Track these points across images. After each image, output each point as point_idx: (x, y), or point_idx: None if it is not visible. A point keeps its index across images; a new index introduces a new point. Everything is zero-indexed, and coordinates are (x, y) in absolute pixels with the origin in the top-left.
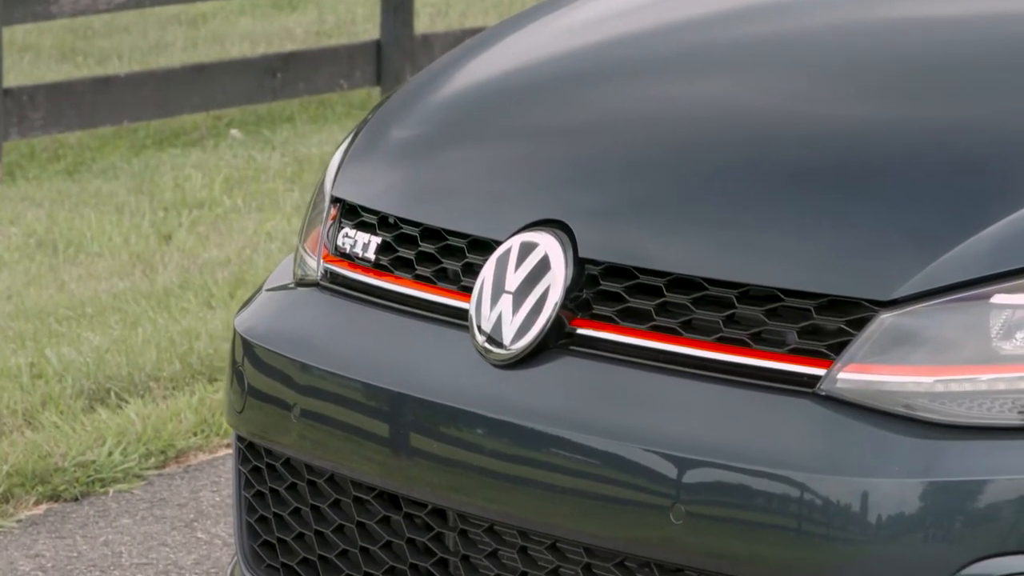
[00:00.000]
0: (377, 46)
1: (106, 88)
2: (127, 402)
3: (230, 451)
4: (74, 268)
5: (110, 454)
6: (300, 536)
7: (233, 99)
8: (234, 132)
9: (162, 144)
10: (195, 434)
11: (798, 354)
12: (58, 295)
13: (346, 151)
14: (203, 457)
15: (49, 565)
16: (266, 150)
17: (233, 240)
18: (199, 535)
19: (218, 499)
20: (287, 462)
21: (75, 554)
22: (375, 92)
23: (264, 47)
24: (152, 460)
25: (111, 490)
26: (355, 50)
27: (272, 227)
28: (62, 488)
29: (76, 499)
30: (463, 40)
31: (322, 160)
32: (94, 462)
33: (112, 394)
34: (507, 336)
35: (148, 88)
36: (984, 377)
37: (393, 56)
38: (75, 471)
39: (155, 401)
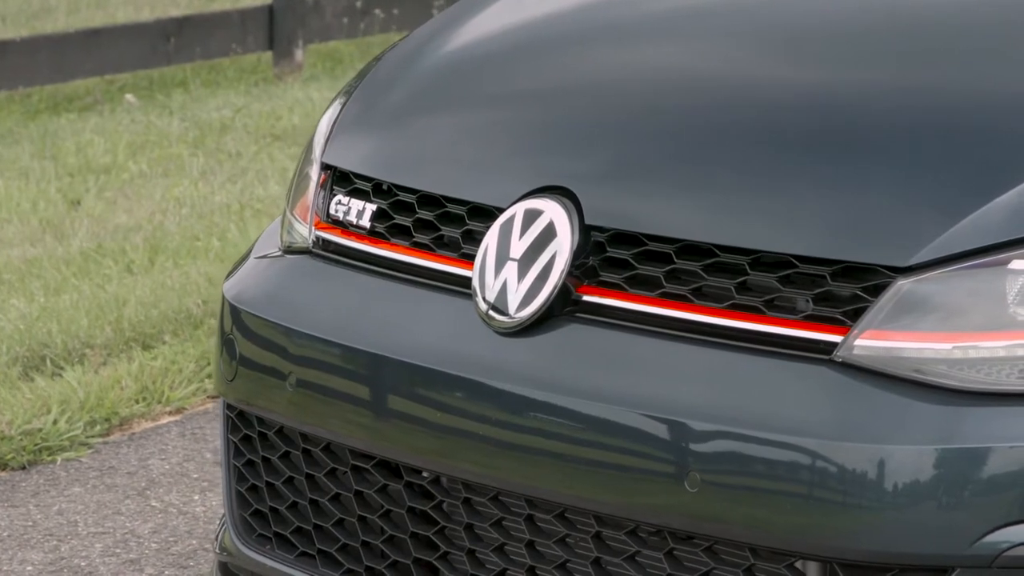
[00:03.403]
0: (269, 11)
1: (2, 53)
2: (63, 369)
3: (174, 419)
4: None
5: (55, 422)
6: (293, 505)
7: (128, 64)
8: (129, 97)
9: (57, 109)
10: (137, 401)
11: (813, 321)
12: None
13: (335, 117)
14: (147, 425)
15: (5, 534)
16: (164, 115)
17: (142, 205)
18: (153, 503)
19: (167, 467)
20: (280, 431)
21: (30, 523)
22: (266, 57)
23: (148, 12)
24: (97, 428)
25: (59, 458)
26: (247, 14)
27: (180, 192)
28: (9, 457)
29: (24, 468)
30: (355, 5)
31: (223, 124)
32: (40, 430)
33: (48, 361)
34: (512, 304)
35: (43, 53)
36: (1003, 343)
37: (285, 20)
38: (21, 439)
39: (93, 369)
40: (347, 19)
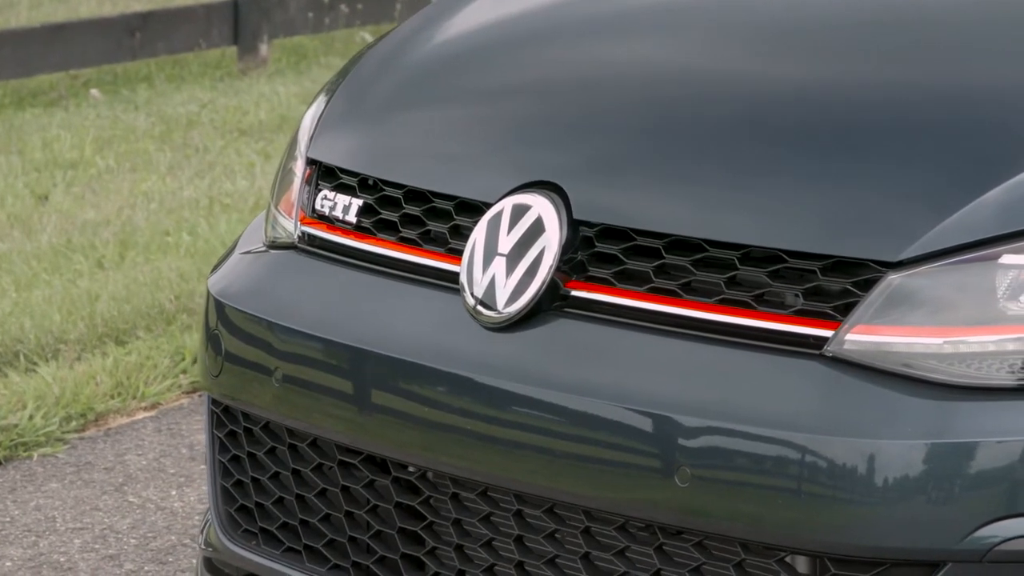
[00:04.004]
0: (234, 5)
1: None
2: (37, 365)
3: (149, 414)
4: None
5: (31, 418)
6: (280, 501)
7: (92, 58)
8: (94, 92)
9: (21, 104)
10: (112, 397)
11: (804, 316)
12: None
13: (320, 113)
14: (122, 420)
15: None
16: (129, 110)
17: (110, 201)
18: (131, 499)
19: (144, 463)
20: (266, 426)
21: (8, 519)
22: (231, 51)
23: (110, 6)
24: (73, 424)
25: (35, 454)
26: (212, 9)
27: (148, 187)
28: None
29: (0, 463)
30: None
31: (189, 119)
32: (16, 426)
33: (21, 357)
34: (500, 299)
35: (7, 47)
36: (993, 338)
37: (250, 15)
38: None
39: (68, 364)
40: (312, 14)
